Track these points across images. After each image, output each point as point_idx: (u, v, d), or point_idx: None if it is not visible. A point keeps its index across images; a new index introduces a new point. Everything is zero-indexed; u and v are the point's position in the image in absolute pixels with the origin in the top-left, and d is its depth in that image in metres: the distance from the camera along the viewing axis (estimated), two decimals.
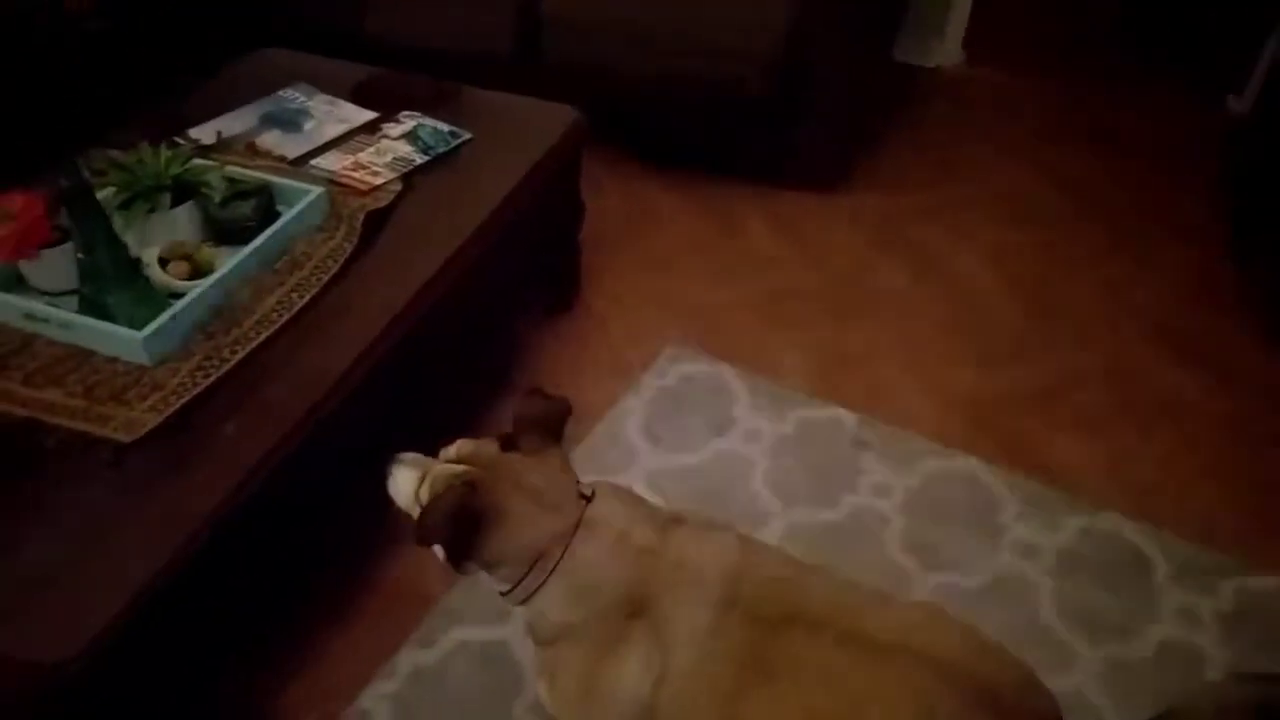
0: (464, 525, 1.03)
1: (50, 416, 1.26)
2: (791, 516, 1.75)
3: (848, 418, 1.95)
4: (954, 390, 2.05)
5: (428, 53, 2.51)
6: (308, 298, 1.48)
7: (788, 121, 2.48)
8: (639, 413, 1.95)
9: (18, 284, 1.43)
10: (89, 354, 1.35)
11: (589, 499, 1.11)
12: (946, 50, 3.24)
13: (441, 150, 1.83)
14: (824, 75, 2.43)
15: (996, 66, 3.27)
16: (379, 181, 1.73)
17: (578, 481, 1.13)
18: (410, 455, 1.15)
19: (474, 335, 1.86)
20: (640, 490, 1.75)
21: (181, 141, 1.74)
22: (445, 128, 1.88)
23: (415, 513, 1.08)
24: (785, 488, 1.81)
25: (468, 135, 1.87)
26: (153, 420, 1.27)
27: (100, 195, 1.40)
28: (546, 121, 1.97)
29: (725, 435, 1.91)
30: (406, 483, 1.12)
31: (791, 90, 2.40)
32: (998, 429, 1.96)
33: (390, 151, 1.81)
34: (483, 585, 1.13)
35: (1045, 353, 2.16)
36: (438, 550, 1.07)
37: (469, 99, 2.03)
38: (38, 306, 1.37)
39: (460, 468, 1.09)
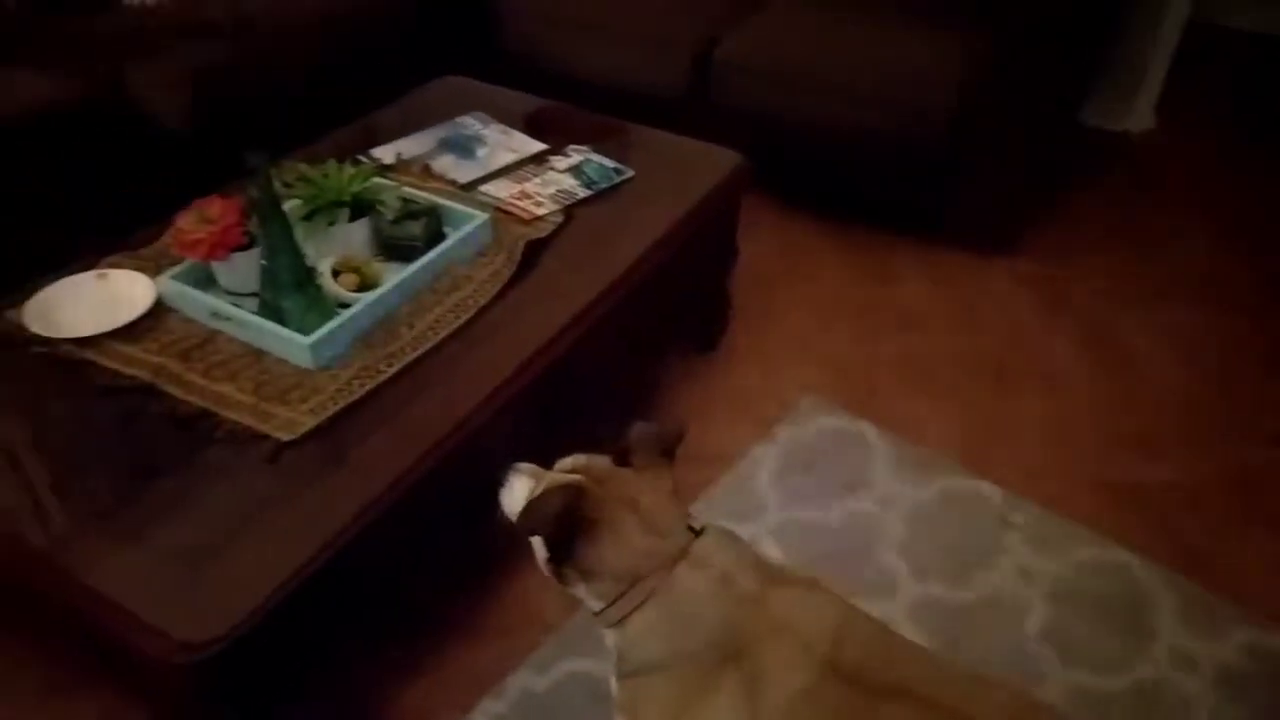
0: (568, 526, 1.05)
1: (222, 409, 1.36)
2: (921, 590, 1.68)
3: (994, 493, 1.86)
4: (1114, 475, 1.93)
5: (601, 87, 2.59)
6: (464, 319, 1.54)
7: (957, 177, 2.41)
8: (771, 462, 1.92)
9: (209, 283, 1.54)
10: (262, 354, 1.45)
11: (697, 533, 1.10)
12: (1137, 114, 3.08)
13: (604, 186, 1.87)
14: (1000, 133, 2.35)
15: (1190, 134, 3.08)
16: (541, 212, 1.78)
17: (688, 514, 1.13)
18: (527, 465, 1.19)
19: (616, 367, 1.88)
20: (766, 543, 1.75)
21: (365, 160, 1.85)
22: (610, 164, 1.93)
23: None
24: (918, 558, 1.73)
25: (630, 173, 1.91)
26: (310, 422, 1.34)
27: (287, 206, 1.50)
28: (710, 164, 1.98)
29: (859, 495, 1.86)
30: (520, 489, 1.15)
31: (964, 146, 2.34)
32: (1159, 522, 1.82)
33: (555, 183, 1.86)
34: (581, 600, 1.14)
35: (1218, 445, 2.00)
36: (539, 548, 1.10)
37: (636, 137, 2.07)
38: (223, 305, 1.47)
39: (573, 476, 1.11)
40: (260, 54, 2.46)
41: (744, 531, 1.72)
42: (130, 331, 1.48)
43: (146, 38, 2.43)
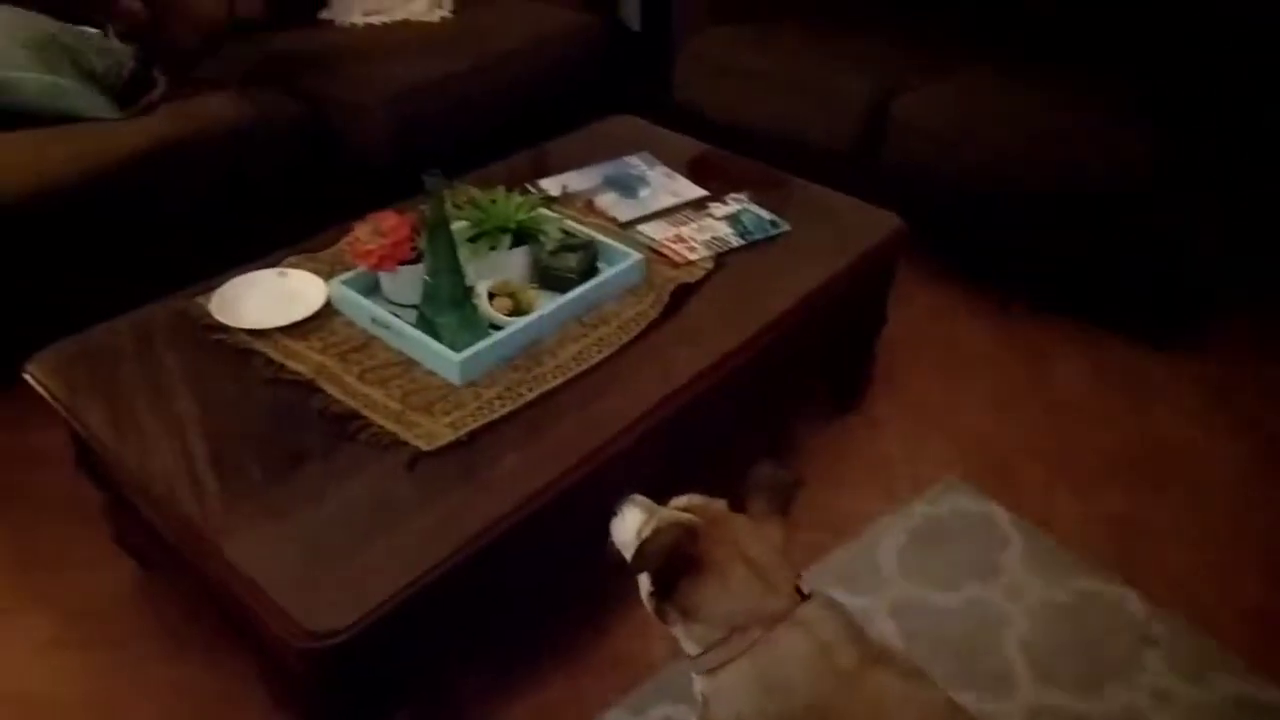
0: (675, 563, 1.05)
1: (370, 412, 1.43)
2: (1042, 695, 1.59)
3: (1137, 604, 1.74)
4: (1274, 603, 1.77)
5: (766, 138, 2.61)
6: (607, 353, 1.57)
7: (1133, 263, 2.30)
8: (898, 535, 1.87)
9: (374, 291, 1.64)
10: (413, 364, 1.52)
11: (805, 596, 1.08)
12: None
13: (758, 237, 1.88)
14: (1189, 217, 2.22)
15: None
16: (694, 257, 1.80)
17: (798, 574, 1.11)
18: (642, 499, 1.20)
19: (750, 418, 1.87)
20: (880, 619, 1.70)
21: (532, 190, 1.93)
22: (767, 216, 1.93)
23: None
24: (1043, 660, 1.64)
25: (786, 226, 1.91)
26: (449, 436, 1.40)
27: (455, 227, 1.58)
28: (868, 225, 1.96)
29: (986, 583, 1.77)
30: (632, 521, 1.17)
31: (1145, 227, 2.22)
32: None
33: (711, 230, 1.88)
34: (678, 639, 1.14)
35: None
36: (644, 582, 1.11)
37: (796, 190, 2.07)
38: (384, 314, 1.56)
39: (686, 515, 1.11)
40: (454, 80, 2.61)
41: (858, 603, 1.69)
42: (299, 328, 1.58)
43: (349, 57, 2.62)
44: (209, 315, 1.60)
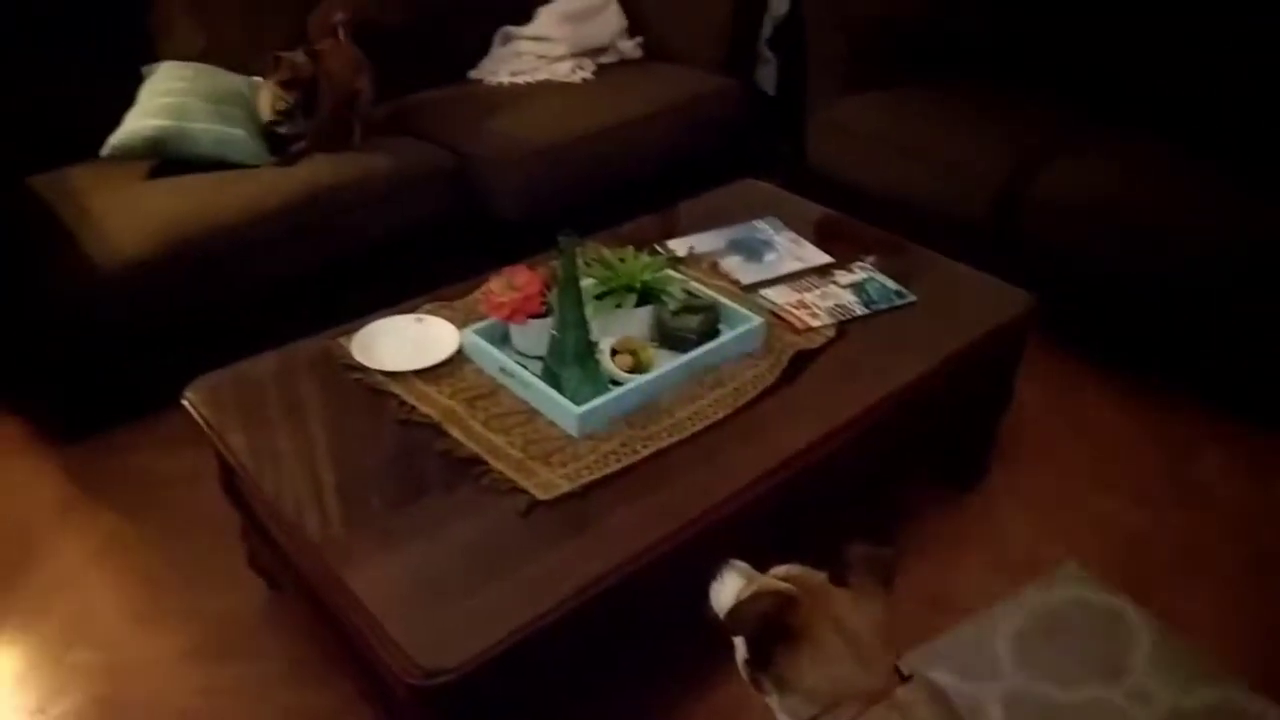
0: (771, 632, 1.05)
1: (492, 458, 1.48)
2: None
3: None
4: None
5: (897, 207, 2.59)
6: (722, 415, 1.59)
7: None
8: (1015, 623, 1.79)
9: (503, 341, 1.70)
10: (535, 414, 1.57)
11: (904, 678, 1.05)
12: None
13: (883, 306, 1.87)
14: None
15: None
16: (816, 324, 1.81)
17: (897, 653, 1.08)
18: (742, 565, 1.20)
19: (864, 490, 1.85)
20: (990, 710, 1.63)
21: (660, 250, 1.98)
22: (893, 286, 1.92)
23: None
24: None
25: (913, 298, 1.90)
26: (565, 487, 1.43)
27: (583, 284, 1.63)
28: (997, 300, 1.93)
29: (1109, 683, 1.68)
30: (731, 586, 1.17)
31: None
32: None
33: (834, 298, 1.89)
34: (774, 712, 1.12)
35: None
36: (740, 648, 1.11)
37: (924, 261, 2.05)
38: (511, 364, 1.62)
39: (785, 584, 1.11)
40: (591, 140, 2.71)
41: (967, 690, 1.64)
42: (431, 373, 1.66)
43: (492, 114, 2.75)
44: (349, 355, 1.69)
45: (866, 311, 1.86)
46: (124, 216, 2.13)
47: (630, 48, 3.18)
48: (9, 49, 2.32)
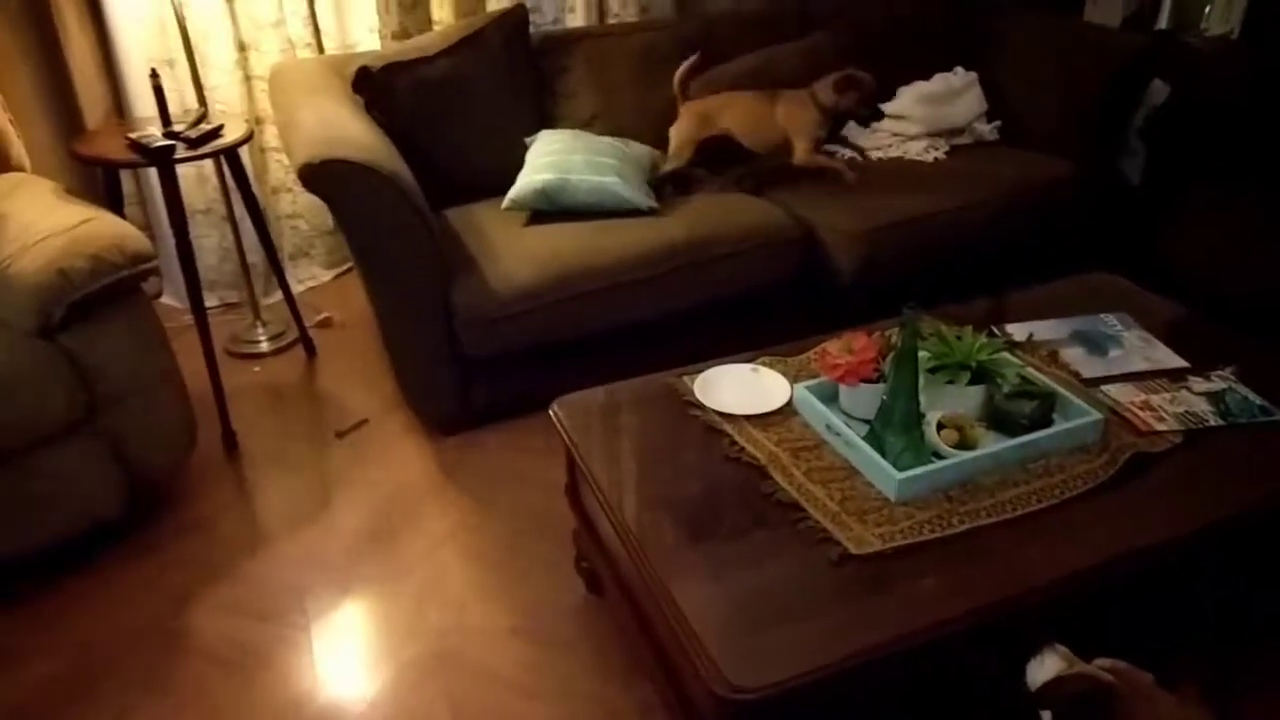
0: (1082, 711, 1.04)
1: (810, 507, 1.58)
2: None
3: None
4: None
5: (1271, 312, 2.38)
6: (1045, 504, 1.57)
7: None
8: None
9: (831, 400, 1.80)
10: (855, 473, 1.65)
11: None
12: None
13: (1242, 421, 1.75)
14: None
15: None
16: (1161, 427, 1.73)
17: None
18: (1063, 648, 1.19)
19: (1197, 606, 1.73)
20: None
21: (997, 333, 1.99)
22: (1257, 400, 1.79)
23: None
24: None
25: (1279, 415, 1.75)
26: (877, 545, 1.50)
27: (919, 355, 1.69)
28: None
29: None
30: (1051, 666, 1.17)
31: None
32: None
33: (1186, 404, 1.79)
34: None
35: None
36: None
37: None
38: (838, 423, 1.71)
39: (1107, 675, 1.09)
40: (936, 218, 2.75)
41: None
42: (762, 419, 1.80)
43: (843, 192, 2.88)
44: (691, 393, 1.88)
45: (1222, 423, 1.75)
46: (516, 251, 2.49)
47: (987, 130, 3.18)
48: (445, 113, 2.80)
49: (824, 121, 2.81)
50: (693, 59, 2.87)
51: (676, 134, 2.87)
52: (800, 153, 2.83)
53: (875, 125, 3.14)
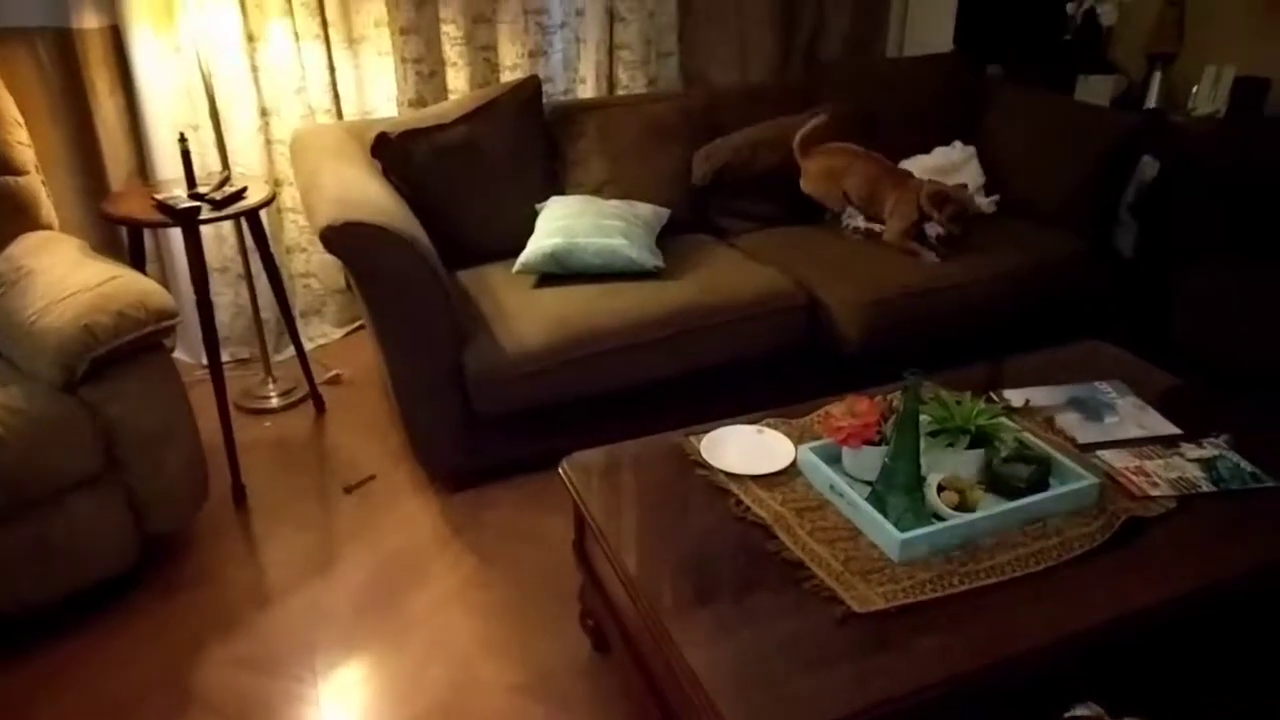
0: None
1: (815, 565, 1.62)
2: None
3: None
4: None
5: (1263, 381, 2.44)
6: (1042, 566, 1.61)
7: None
8: None
9: (834, 461, 1.85)
10: (858, 533, 1.70)
11: None
12: None
13: (1234, 487, 1.80)
14: None
15: None
16: (1155, 493, 1.78)
17: None
18: (1097, 707, 1.21)
19: (1196, 669, 1.75)
20: None
21: (995, 398, 2.04)
22: (1249, 468, 1.84)
23: None
24: None
25: (1272, 483, 1.80)
26: (880, 604, 1.54)
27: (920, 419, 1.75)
28: None
29: None
30: None
31: None
32: None
33: (1179, 470, 1.84)
34: None
35: None
36: None
37: None
38: (842, 484, 1.76)
39: None
40: (937, 292, 2.83)
41: None
42: (767, 479, 1.85)
43: (843, 259, 2.96)
44: (698, 453, 1.93)
45: (1214, 489, 1.79)
46: (526, 313, 2.56)
47: (986, 203, 3.28)
48: (460, 178, 2.90)
49: (919, 219, 2.99)
50: (818, 119, 3.12)
51: (815, 190, 3.16)
52: (891, 232, 3.03)
53: None
